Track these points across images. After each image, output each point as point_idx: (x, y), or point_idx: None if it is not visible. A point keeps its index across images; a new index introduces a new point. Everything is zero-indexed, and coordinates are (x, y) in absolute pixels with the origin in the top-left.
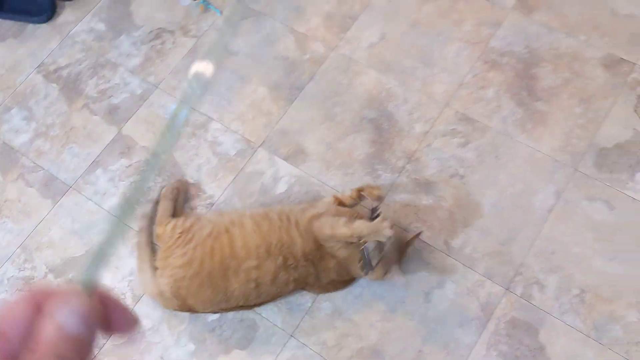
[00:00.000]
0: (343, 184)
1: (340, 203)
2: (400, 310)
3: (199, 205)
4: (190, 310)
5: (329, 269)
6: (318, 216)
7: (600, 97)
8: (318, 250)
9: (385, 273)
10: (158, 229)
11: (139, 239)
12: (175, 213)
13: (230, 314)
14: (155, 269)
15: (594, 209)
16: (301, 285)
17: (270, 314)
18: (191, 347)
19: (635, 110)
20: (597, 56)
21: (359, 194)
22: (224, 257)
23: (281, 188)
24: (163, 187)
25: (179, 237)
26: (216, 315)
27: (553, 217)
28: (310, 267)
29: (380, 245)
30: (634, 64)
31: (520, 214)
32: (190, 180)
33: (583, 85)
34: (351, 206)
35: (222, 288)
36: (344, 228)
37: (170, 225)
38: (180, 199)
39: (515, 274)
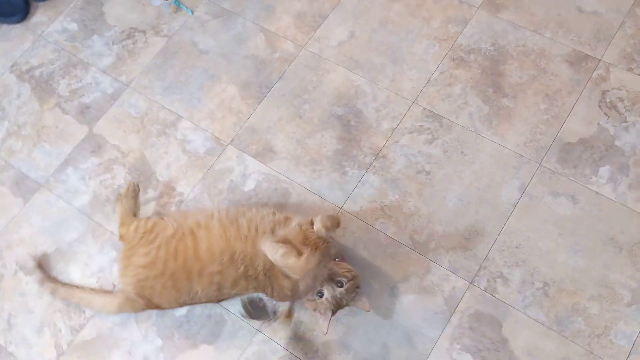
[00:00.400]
0: (311, 181)
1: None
2: None
3: (169, 203)
4: (157, 308)
5: (283, 286)
6: (279, 240)
7: (565, 93)
8: (277, 269)
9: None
10: (121, 230)
11: (61, 295)
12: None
13: (198, 309)
14: (94, 290)
15: (558, 204)
16: (260, 291)
17: (237, 309)
18: (159, 342)
19: (600, 106)
20: (563, 53)
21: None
22: (187, 259)
23: (250, 185)
24: (120, 190)
25: (142, 237)
26: (184, 311)
27: (518, 211)
28: (267, 281)
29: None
30: (599, 60)
31: (485, 208)
32: (160, 178)
33: (548, 82)
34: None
35: (186, 289)
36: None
37: (133, 226)
38: (139, 199)
39: (479, 267)
